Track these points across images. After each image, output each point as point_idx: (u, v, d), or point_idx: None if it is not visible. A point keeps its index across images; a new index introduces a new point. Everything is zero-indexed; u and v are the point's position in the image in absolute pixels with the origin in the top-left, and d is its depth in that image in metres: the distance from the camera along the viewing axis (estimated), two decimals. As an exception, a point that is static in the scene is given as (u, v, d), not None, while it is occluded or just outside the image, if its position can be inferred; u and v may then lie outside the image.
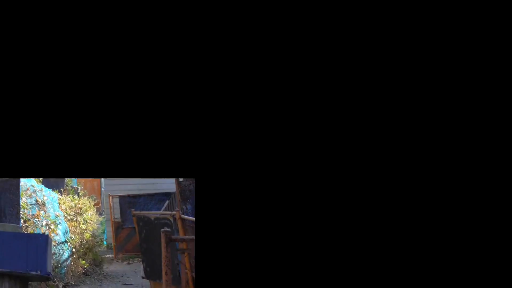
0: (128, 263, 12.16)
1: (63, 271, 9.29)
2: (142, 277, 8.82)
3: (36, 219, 9.29)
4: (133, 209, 11.24)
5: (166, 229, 7.02)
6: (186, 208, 8.45)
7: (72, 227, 10.35)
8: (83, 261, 9.96)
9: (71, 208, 11.05)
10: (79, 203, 11.50)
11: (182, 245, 6.88)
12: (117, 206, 13.23)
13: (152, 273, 8.46)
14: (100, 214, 14.79)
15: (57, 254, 9.25)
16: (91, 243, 10.64)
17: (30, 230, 8.90)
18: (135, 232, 10.75)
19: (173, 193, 11.34)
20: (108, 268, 11.27)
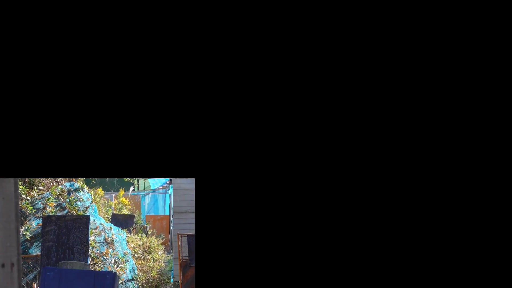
0: (195, 302, 12.11)
1: (130, 309, 9.32)
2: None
3: (104, 257, 9.37)
4: (201, 248, 11.24)
5: None
6: None
7: (140, 265, 10.40)
8: (150, 299, 9.98)
9: (139, 246, 11.12)
10: (147, 242, 11.56)
11: None
12: (185, 244, 13.27)
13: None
14: (168, 253, 14.86)
15: (124, 292, 9.28)
16: (158, 281, 10.67)
17: (98, 268, 8.97)
18: (203, 271, 10.71)
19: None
20: (174, 305, 11.26)
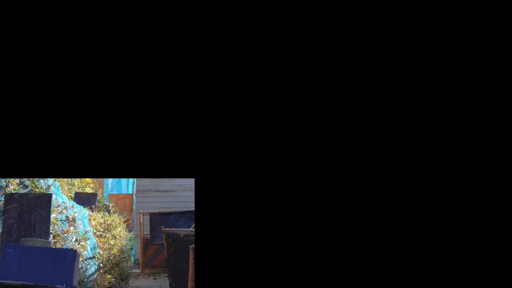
0: (154, 278, 12.29)
1: (89, 286, 9.45)
2: (167, 292, 8.93)
3: (66, 235, 9.46)
4: (163, 226, 11.40)
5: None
6: None
7: (101, 243, 10.52)
8: (109, 276, 10.12)
9: (100, 224, 11.24)
10: (108, 220, 11.68)
11: None
12: (147, 223, 13.39)
13: (177, 288, 8.58)
14: (130, 231, 14.96)
15: (84, 269, 9.40)
16: (119, 258, 10.80)
17: (59, 246, 9.06)
18: (163, 249, 10.90)
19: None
20: (134, 282, 11.40)
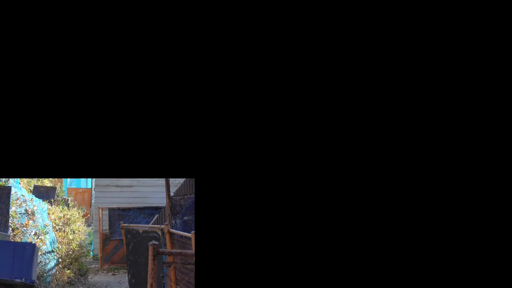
0: (113, 274, 12.25)
1: (48, 280, 9.39)
2: (126, 288, 8.91)
3: (25, 228, 9.39)
4: (122, 222, 11.37)
5: (154, 242, 7.12)
6: (175, 222, 8.54)
7: (60, 237, 10.46)
8: (68, 271, 10.07)
9: (59, 218, 11.16)
10: (67, 214, 11.61)
11: (169, 259, 6.98)
12: (106, 218, 13.33)
13: (136, 285, 8.55)
14: (89, 226, 14.88)
15: (43, 263, 9.34)
16: (78, 253, 10.74)
17: (18, 239, 9.00)
18: (122, 244, 10.85)
19: (163, 207, 11.44)
20: (93, 278, 11.37)
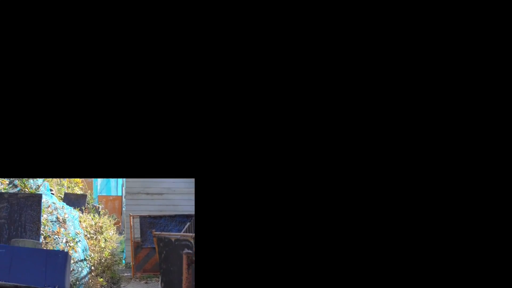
0: (146, 283, 12.14)
1: (81, 288, 9.29)
2: (160, 297, 8.83)
3: (56, 236, 9.32)
4: (153, 230, 11.26)
5: (188, 250, 7.02)
6: None
7: (92, 245, 10.36)
8: (101, 279, 9.96)
9: (91, 226, 11.08)
10: (99, 222, 11.51)
11: None
12: (137, 226, 13.24)
13: (170, 293, 8.47)
14: (120, 234, 14.81)
15: (76, 271, 9.26)
16: (110, 262, 10.65)
17: (49, 247, 8.93)
18: (154, 252, 10.75)
19: (194, 215, 11.33)
20: (125, 286, 11.27)
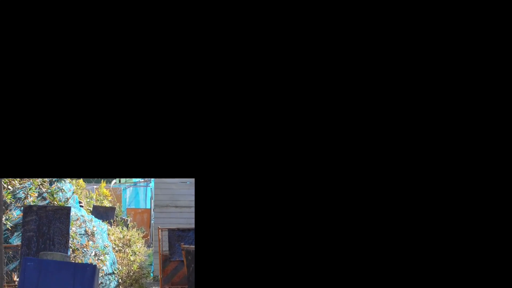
0: (174, 296, 12.10)
1: (109, 302, 9.29)
2: (188, 311, 8.78)
3: (85, 249, 9.33)
4: (182, 243, 11.22)
5: None
6: None
7: (120, 258, 10.36)
8: (129, 292, 9.96)
9: (120, 239, 11.08)
10: (128, 235, 11.52)
11: None
12: (165, 239, 13.23)
13: (198, 307, 8.37)
14: (149, 246, 14.81)
15: (104, 284, 9.25)
16: (138, 275, 10.64)
17: (78, 260, 8.93)
18: (183, 265, 10.71)
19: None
20: (154, 300, 11.26)
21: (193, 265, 9.08)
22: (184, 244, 10.48)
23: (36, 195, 9.50)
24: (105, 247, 9.80)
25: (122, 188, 19.94)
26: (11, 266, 8.43)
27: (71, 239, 9.04)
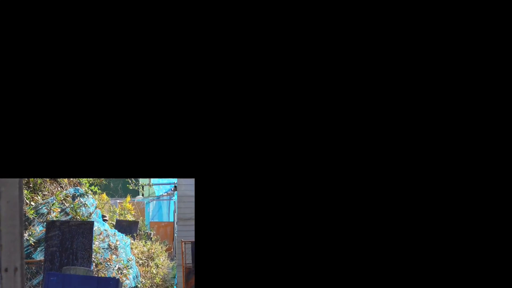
0: (198, 309, 12.10)
1: (132, 315, 9.32)
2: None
3: (108, 263, 9.38)
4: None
5: None
6: None
7: (143, 272, 10.40)
8: (153, 306, 9.98)
9: (143, 253, 11.13)
10: (151, 248, 11.56)
11: None
12: (189, 251, 13.27)
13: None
14: (172, 259, 14.85)
15: (128, 298, 9.29)
16: (161, 287, 10.66)
17: (101, 274, 8.98)
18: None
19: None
20: (177, 313, 11.26)
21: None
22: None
23: (59, 210, 9.58)
24: (128, 260, 9.85)
25: (146, 202, 20.05)
26: (35, 282, 8.50)
27: (94, 254, 9.09)
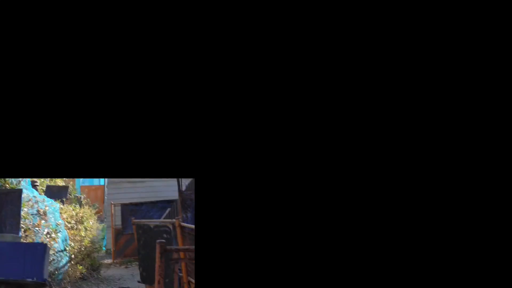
0: (126, 267, 12.45)
1: (60, 277, 9.61)
2: (138, 281, 9.04)
3: (37, 229, 9.57)
4: (133, 218, 11.58)
5: (161, 240, 7.24)
6: (187, 216, 8.66)
7: (72, 235, 10.68)
8: (81, 267, 10.29)
9: (72, 217, 11.37)
10: (80, 212, 11.82)
11: (177, 255, 7.13)
12: (119, 213, 13.50)
13: (148, 278, 8.70)
14: (102, 222, 15.09)
15: (55, 261, 9.55)
16: (90, 249, 10.95)
17: (29, 240, 9.18)
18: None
19: (176, 200, 11.60)
20: (105, 272, 11.56)
21: (143, 239, 9.37)
22: (136, 219, 10.76)
23: (-13, 179, 9.71)
24: (57, 225, 10.08)
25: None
26: (-37, 250, 8.66)
27: (23, 220, 9.26)
